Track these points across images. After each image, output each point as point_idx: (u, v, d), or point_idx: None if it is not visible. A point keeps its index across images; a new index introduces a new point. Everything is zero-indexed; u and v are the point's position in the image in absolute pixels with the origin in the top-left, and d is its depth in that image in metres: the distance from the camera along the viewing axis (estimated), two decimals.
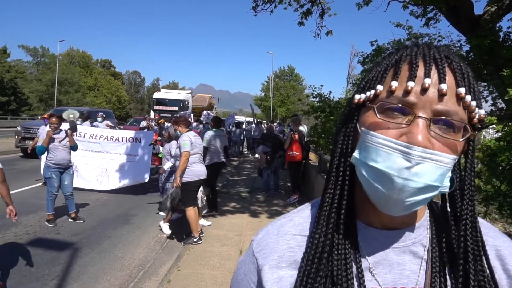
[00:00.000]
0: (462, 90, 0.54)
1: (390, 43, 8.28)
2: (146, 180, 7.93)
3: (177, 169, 4.91)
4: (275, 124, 14.61)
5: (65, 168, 5.78)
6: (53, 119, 5.60)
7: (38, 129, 9.21)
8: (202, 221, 5.86)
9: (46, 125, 8.56)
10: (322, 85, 9.50)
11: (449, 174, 0.56)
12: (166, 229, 5.57)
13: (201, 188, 5.57)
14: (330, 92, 9.52)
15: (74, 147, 5.87)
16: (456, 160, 0.56)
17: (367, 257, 0.61)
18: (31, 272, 4.09)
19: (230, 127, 16.90)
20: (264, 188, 8.64)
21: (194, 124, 14.73)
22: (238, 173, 12.40)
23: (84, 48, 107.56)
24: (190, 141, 4.88)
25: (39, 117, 12.18)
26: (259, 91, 54.45)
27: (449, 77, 0.55)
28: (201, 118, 16.07)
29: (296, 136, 7.62)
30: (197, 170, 5.00)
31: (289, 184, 9.82)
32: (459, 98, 0.54)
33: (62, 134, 5.67)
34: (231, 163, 14.54)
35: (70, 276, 4.06)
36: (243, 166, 14.28)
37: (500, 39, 5.79)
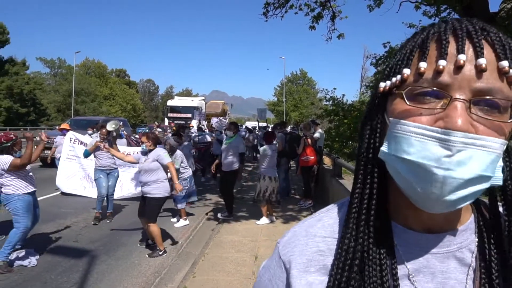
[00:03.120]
0: (505, 63, 0.46)
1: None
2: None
3: (173, 177, 4.97)
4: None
5: (111, 170, 6.58)
6: (103, 131, 6.41)
7: (55, 138, 9.44)
8: (271, 218, 6.44)
9: (63, 135, 8.77)
10: (335, 88, 9.48)
11: (500, 162, 0.48)
12: (263, 220, 6.35)
13: (272, 184, 6.26)
14: (343, 95, 9.48)
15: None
16: (505, 144, 0.48)
17: (406, 263, 0.54)
18: (51, 279, 4.17)
19: (243, 131, 16.90)
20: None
21: (207, 130, 14.83)
22: (252, 178, 12.38)
23: (99, 58, 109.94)
24: (168, 153, 5.03)
25: (57, 128, 12.49)
26: (272, 96, 54.53)
27: (487, 50, 0.47)
28: (213, 125, 16.08)
29: (309, 140, 7.60)
30: (167, 186, 5.00)
31: (303, 188, 9.76)
32: (502, 73, 0.46)
33: (109, 143, 6.39)
34: (245, 168, 14.54)
35: (88, 284, 4.12)
36: (256, 171, 14.24)
37: None
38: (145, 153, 5.15)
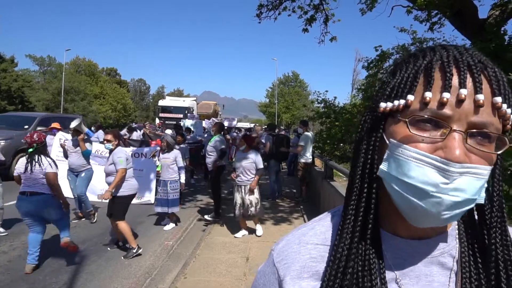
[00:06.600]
0: (499, 99, 0.51)
1: (394, 48, 8.29)
2: (152, 202, 7.16)
3: (112, 183, 4.77)
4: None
5: (78, 172, 6.53)
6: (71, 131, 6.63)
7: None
8: (258, 227, 5.96)
9: (53, 135, 8.62)
10: (327, 91, 9.51)
11: (486, 185, 0.54)
12: (259, 231, 5.89)
13: (256, 195, 5.68)
14: (335, 97, 9.52)
15: (84, 153, 6.37)
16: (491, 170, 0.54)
17: (393, 268, 0.59)
18: (39, 280, 4.10)
19: (235, 132, 16.82)
20: (270, 195, 8.61)
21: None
22: None
23: (90, 57, 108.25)
24: (126, 157, 4.93)
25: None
26: (264, 97, 54.70)
27: (485, 85, 0.52)
28: (204, 125, 16.00)
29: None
30: (133, 184, 5.01)
31: (294, 191, 9.80)
32: (495, 108, 0.51)
33: (75, 142, 6.46)
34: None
35: (77, 284, 4.07)
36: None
37: (506, 43, 5.77)
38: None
